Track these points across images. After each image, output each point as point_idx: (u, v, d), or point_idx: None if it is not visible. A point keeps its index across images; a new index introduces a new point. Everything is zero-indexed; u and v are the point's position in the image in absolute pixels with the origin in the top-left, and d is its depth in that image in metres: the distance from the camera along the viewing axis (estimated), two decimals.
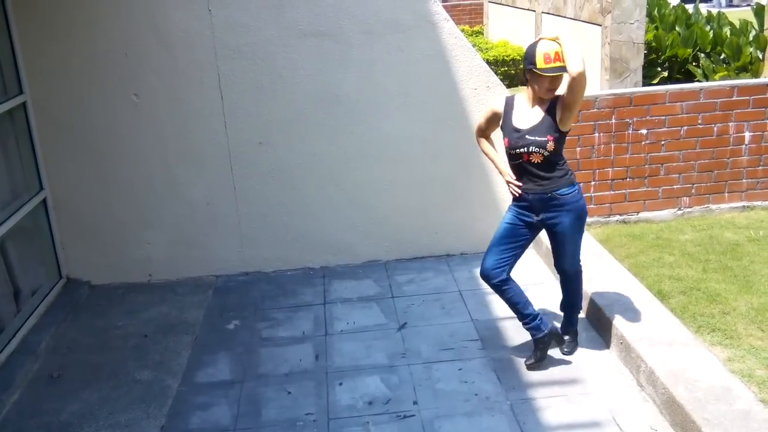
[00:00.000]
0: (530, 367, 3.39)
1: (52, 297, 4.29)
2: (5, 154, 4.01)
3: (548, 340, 3.38)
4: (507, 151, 3.25)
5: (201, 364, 3.64)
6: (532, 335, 3.40)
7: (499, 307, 4.00)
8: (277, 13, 4.22)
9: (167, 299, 4.35)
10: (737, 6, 18.90)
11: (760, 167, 4.94)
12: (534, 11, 10.42)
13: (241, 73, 4.29)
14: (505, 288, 3.33)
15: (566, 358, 3.49)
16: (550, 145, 3.13)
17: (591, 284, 3.89)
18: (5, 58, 4.03)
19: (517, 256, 3.37)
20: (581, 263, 3.44)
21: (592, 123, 4.69)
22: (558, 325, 3.58)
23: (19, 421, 3.24)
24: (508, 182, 3.32)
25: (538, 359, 3.40)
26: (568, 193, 3.23)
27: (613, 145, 4.75)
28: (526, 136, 3.16)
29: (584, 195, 4.72)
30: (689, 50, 8.72)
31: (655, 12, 9.71)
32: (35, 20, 4.10)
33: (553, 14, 9.69)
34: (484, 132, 3.46)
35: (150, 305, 4.28)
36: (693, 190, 4.93)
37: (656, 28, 9.22)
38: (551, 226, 3.29)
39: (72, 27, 4.13)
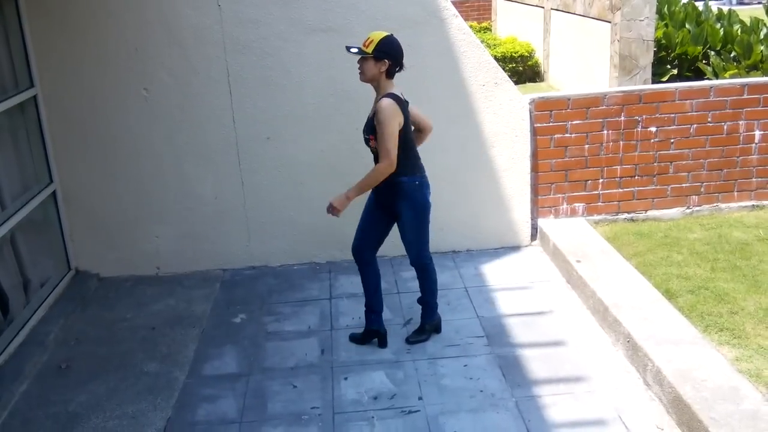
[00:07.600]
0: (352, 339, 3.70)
1: (61, 289, 4.33)
2: (16, 146, 4.04)
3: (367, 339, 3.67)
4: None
5: (208, 356, 3.66)
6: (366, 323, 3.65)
7: (504, 303, 4.00)
8: (286, 9, 4.22)
9: (175, 292, 4.37)
10: (748, 4, 18.74)
11: None
12: (543, 8, 10.37)
13: (249, 68, 4.30)
14: (365, 268, 3.56)
15: (573, 356, 3.49)
16: (372, 143, 3.36)
17: (598, 282, 3.88)
18: (17, 51, 4.05)
19: (380, 237, 3.57)
20: (428, 258, 3.57)
21: (601, 120, 4.67)
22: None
23: (27, 411, 3.27)
24: None
25: (359, 342, 3.68)
26: (404, 182, 3.36)
27: (621, 142, 4.72)
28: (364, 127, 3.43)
29: (592, 192, 4.80)
30: (699, 48, 8.66)
31: (665, 9, 9.64)
32: (47, 15, 4.12)
33: (562, 11, 9.64)
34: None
35: (158, 298, 4.30)
36: (702, 189, 4.90)
37: (666, 25, 9.16)
38: (395, 214, 3.46)
39: (83, 21, 4.15)
